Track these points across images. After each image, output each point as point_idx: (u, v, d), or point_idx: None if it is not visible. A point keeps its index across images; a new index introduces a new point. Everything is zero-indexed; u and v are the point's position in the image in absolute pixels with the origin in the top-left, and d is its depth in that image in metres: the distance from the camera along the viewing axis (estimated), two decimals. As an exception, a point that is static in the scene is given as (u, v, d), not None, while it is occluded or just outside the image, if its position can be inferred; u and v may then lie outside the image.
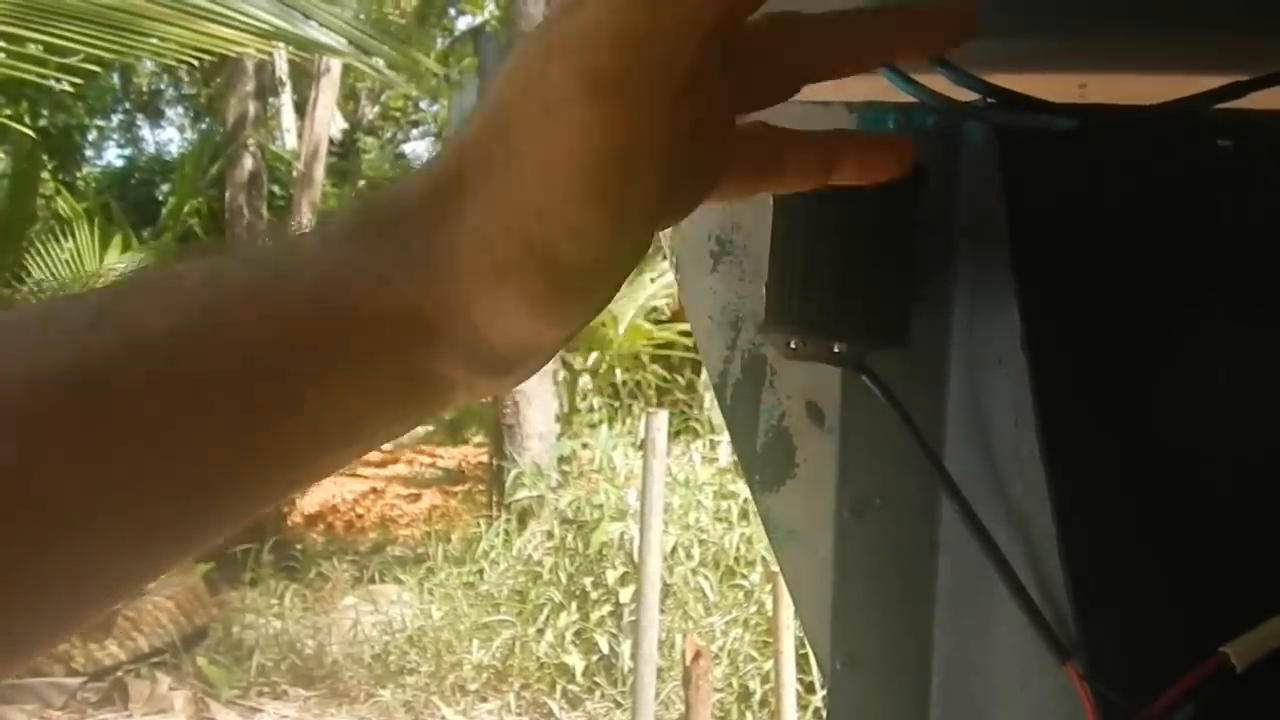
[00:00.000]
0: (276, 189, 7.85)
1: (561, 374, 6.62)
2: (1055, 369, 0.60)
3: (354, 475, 7.96)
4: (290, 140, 8.41)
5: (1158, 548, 0.61)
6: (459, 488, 7.33)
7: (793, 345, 0.62)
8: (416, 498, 7.44)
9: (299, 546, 5.59)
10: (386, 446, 8.67)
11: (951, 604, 0.71)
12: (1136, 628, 0.59)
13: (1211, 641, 0.50)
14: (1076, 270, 0.62)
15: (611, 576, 4.43)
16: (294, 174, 7.50)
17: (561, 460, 5.68)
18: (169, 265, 0.29)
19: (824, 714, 0.69)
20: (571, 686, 4.24)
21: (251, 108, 7.12)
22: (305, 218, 7.32)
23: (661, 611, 4.22)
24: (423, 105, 11.15)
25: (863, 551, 0.76)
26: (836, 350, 0.62)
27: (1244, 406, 0.61)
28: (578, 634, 4.41)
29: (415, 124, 11.60)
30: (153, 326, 0.27)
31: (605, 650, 4.29)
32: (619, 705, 3.98)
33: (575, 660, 4.27)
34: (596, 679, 4.25)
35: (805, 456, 0.78)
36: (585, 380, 6.63)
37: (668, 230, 0.76)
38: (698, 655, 2.93)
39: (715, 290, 0.79)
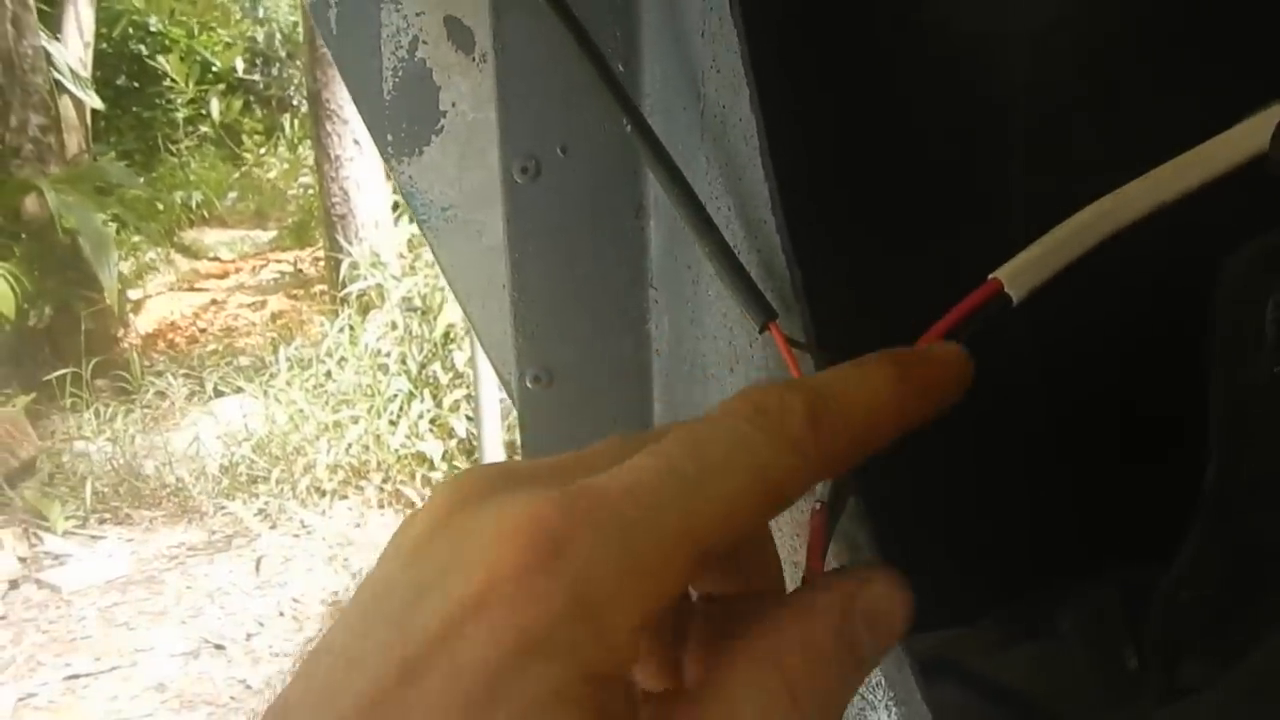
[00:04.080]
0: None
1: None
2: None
3: (192, 289, 7.54)
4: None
5: (886, 156, 0.43)
6: (303, 290, 7.00)
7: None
8: (261, 305, 7.09)
9: (132, 366, 5.25)
10: (226, 255, 8.23)
11: (664, 278, 0.52)
12: (866, 271, 0.42)
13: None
14: None
15: (461, 359, 4.27)
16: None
17: (409, 247, 5.43)
18: None
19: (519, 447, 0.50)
20: (432, 474, 4.13)
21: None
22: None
23: (515, 388, 4.09)
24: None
25: (543, 223, 0.56)
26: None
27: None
28: (433, 421, 4.28)
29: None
30: None
31: (462, 434, 4.17)
32: (479, 486, 3.89)
33: (432, 447, 4.15)
34: (456, 463, 4.15)
35: (454, 99, 0.57)
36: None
37: None
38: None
39: None
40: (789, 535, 0.40)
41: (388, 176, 5.68)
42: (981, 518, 0.42)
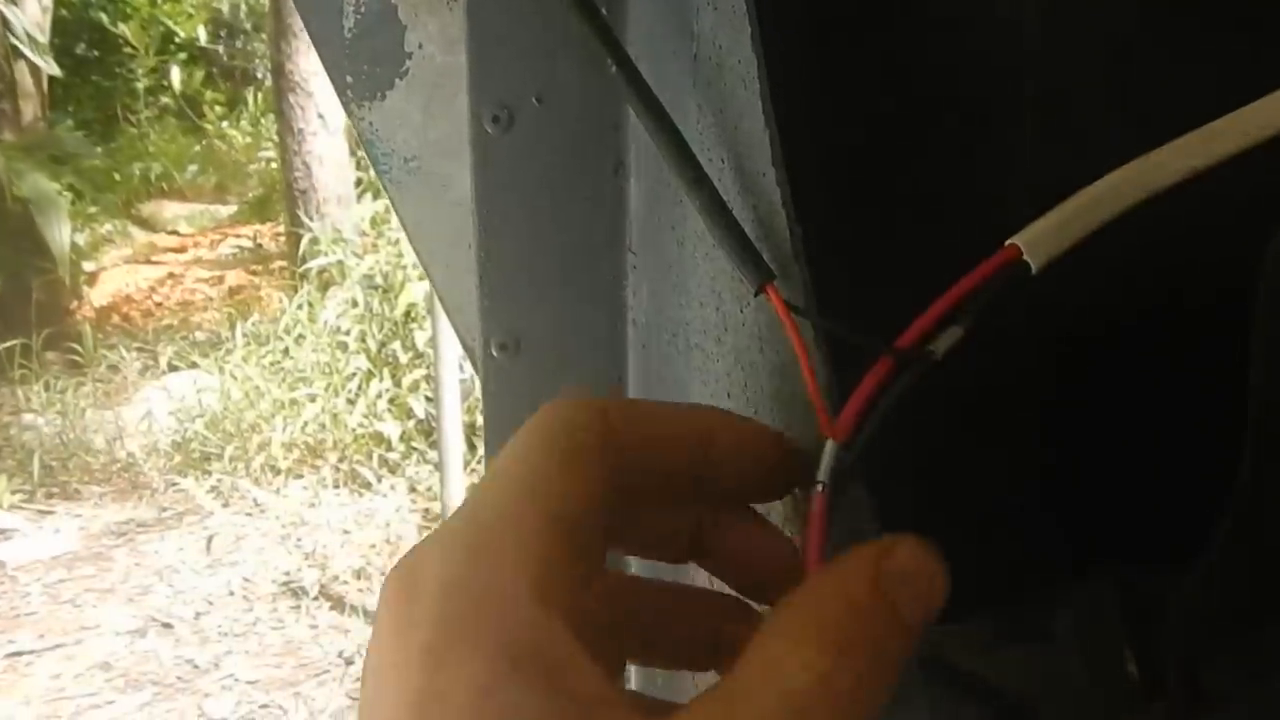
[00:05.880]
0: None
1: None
2: None
3: (150, 262, 7.41)
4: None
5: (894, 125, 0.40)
6: (262, 265, 6.90)
7: None
8: (219, 279, 6.97)
9: (84, 339, 5.13)
10: (185, 229, 8.09)
11: (645, 240, 0.48)
12: (874, 229, 0.38)
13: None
14: None
15: (422, 338, 4.21)
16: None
17: (371, 224, 5.35)
18: None
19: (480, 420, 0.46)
20: (389, 454, 4.08)
21: None
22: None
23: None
24: None
25: (514, 178, 0.52)
26: None
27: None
28: (392, 401, 4.22)
29: None
30: None
31: (421, 415, 4.11)
32: (438, 468, 3.84)
33: (390, 427, 4.09)
34: (414, 444, 4.10)
35: (421, 39, 0.53)
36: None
37: None
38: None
39: None
40: (779, 520, 0.37)
41: (351, 152, 5.59)
42: (979, 512, 0.39)
